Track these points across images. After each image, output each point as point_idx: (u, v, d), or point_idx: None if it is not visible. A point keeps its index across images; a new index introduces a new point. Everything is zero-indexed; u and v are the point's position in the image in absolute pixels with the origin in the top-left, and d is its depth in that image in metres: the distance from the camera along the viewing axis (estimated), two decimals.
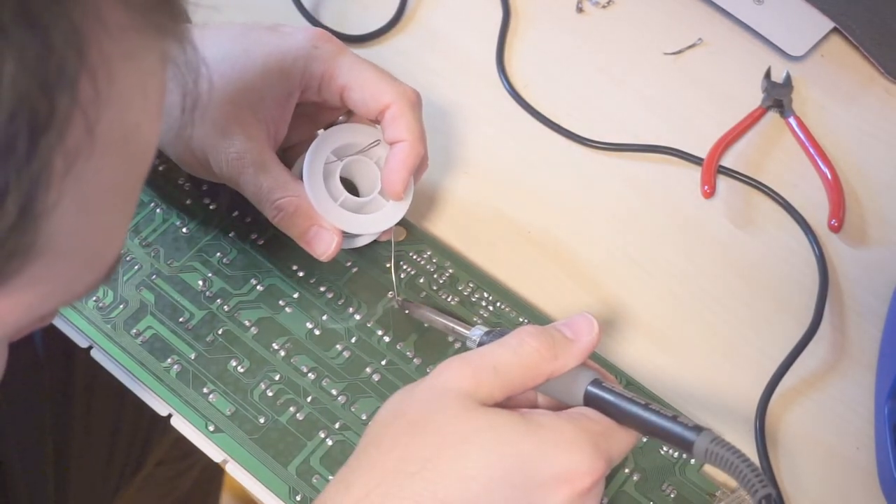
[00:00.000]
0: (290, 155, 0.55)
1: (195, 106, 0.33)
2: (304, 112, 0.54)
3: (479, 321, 0.55)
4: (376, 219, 0.53)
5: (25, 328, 0.32)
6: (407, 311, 0.54)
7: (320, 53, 0.52)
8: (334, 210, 0.52)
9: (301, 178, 0.52)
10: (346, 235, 0.54)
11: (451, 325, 0.51)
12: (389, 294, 0.55)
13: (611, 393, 0.42)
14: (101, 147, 0.27)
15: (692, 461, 0.51)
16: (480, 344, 0.47)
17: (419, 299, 0.55)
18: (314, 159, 0.52)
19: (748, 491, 0.38)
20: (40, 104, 0.24)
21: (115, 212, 0.30)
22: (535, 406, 0.44)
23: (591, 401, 0.43)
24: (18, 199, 0.25)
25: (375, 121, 0.53)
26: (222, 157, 0.51)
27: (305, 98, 0.53)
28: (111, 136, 0.27)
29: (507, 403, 0.43)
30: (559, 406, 0.44)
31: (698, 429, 0.39)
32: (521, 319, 0.55)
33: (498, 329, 0.47)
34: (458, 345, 0.54)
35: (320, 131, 0.57)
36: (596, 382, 0.43)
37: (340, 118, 0.56)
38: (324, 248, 0.51)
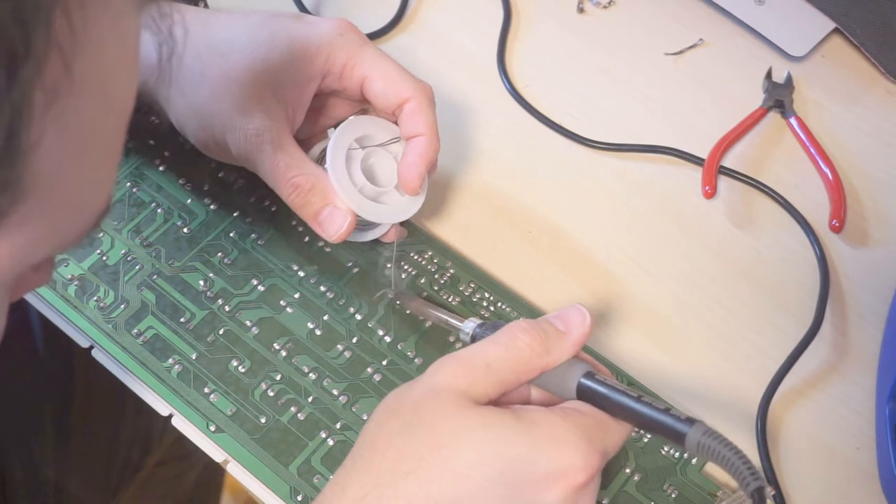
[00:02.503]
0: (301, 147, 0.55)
1: (171, 54, 0.33)
2: (317, 105, 0.54)
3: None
4: (392, 210, 0.54)
5: (22, 283, 0.32)
6: (399, 303, 0.54)
7: (345, 42, 0.52)
8: (354, 194, 0.52)
9: (317, 162, 0.52)
10: (356, 229, 0.54)
11: (445, 317, 0.50)
12: (389, 292, 0.55)
13: (603, 385, 0.42)
14: (79, 86, 0.27)
15: (693, 461, 0.51)
16: (473, 336, 0.47)
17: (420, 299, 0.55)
18: (338, 143, 0.52)
19: (740, 483, 0.38)
20: (15, 36, 0.25)
21: (99, 156, 0.30)
22: (528, 400, 0.44)
23: (583, 393, 0.42)
24: (2, 132, 0.25)
25: (392, 114, 0.53)
26: (240, 133, 0.51)
27: (326, 85, 0.53)
28: (89, 77, 0.28)
29: (501, 399, 0.43)
30: (553, 399, 0.44)
31: (690, 421, 0.39)
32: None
33: (491, 321, 0.47)
34: (458, 345, 0.54)
35: (330, 130, 0.57)
36: (589, 375, 0.43)
37: (351, 116, 0.56)
38: (336, 228, 0.51)
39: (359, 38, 0.53)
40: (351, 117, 0.56)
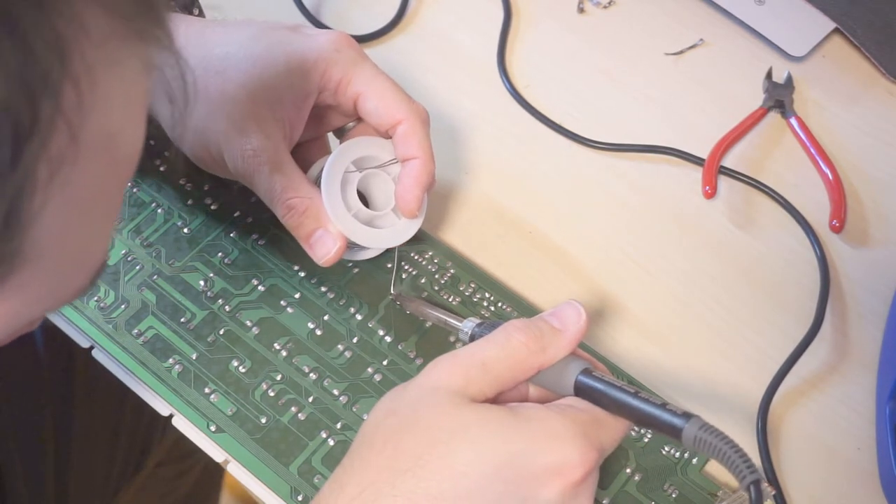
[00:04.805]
0: (296, 153, 0.55)
1: (183, 115, 0.33)
2: (313, 113, 0.54)
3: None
4: (387, 234, 0.53)
5: (13, 334, 0.32)
6: (399, 304, 0.54)
7: (341, 57, 0.52)
8: (347, 219, 0.52)
9: (314, 182, 0.52)
10: (352, 247, 0.54)
11: (444, 317, 0.50)
12: (392, 293, 0.55)
13: (600, 382, 0.42)
14: (84, 153, 0.27)
15: (694, 461, 0.51)
16: (472, 336, 0.47)
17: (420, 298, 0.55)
18: (334, 166, 0.52)
19: (736, 477, 0.38)
20: (23, 112, 0.24)
21: (100, 216, 0.30)
22: (526, 398, 0.44)
23: (581, 390, 0.43)
24: (3, 208, 0.25)
25: (386, 133, 0.53)
26: (238, 153, 0.51)
27: (320, 100, 0.53)
28: (94, 143, 0.27)
29: (499, 398, 0.43)
30: (551, 397, 0.44)
31: (687, 416, 0.39)
32: None
33: (490, 321, 0.47)
34: (459, 345, 0.54)
35: (336, 142, 0.57)
36: (586, 372, 0.43)
37: (349, 124, 0.56)
38: (325, 251, 0.51)
39: (356, 53, 0.53)
40: (357, 127, 0.55)
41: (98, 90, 0.26)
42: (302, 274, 0.56)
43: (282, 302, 0.55)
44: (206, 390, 0.52)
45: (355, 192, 0.53)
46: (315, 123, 0.55)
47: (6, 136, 0.24)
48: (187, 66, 0.32)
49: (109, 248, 0.32)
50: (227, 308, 0.54)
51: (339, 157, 0.52)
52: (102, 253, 0.32)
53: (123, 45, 0.28)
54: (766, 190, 0.62)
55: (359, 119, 0.56)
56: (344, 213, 0.52)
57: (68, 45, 0.25)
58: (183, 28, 0.53)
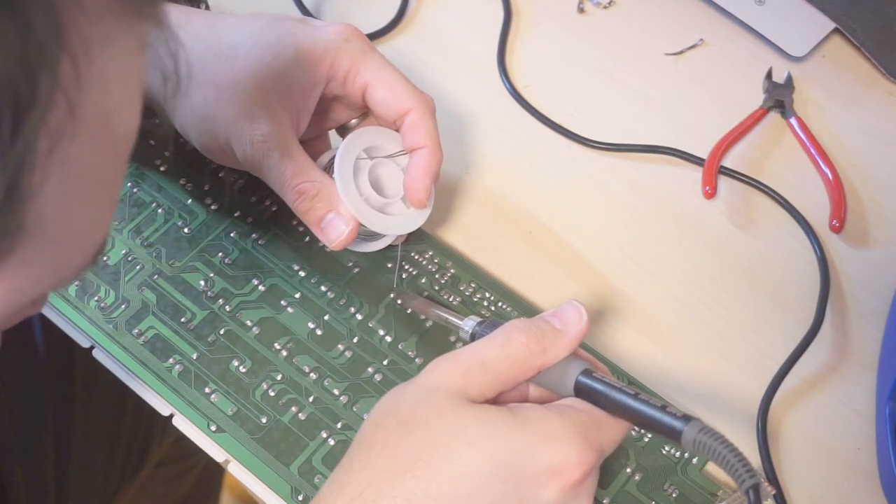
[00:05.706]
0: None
1: (176, 91, 0.33)
2: (319, 109, 0.54)
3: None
4: (397, 221, 0.54)
5: (17, 314, 0.32)
6: (400, 302, 0.54)
7: (350, 47, 0.52)
8: (360, 203, 0.52)
9: (324, 170, 0.52)
10: (360, 239, 0.54)
11: (445, 315, 0.50)
12: (394, 291, 0.55)
13: (600, 383, 0.42)
14: (82, 129, 0.27)
15: (694, 461, 0.51)
16: (473, 334, 0.47)
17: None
18: (346, 152, 0.52)
19: (736, 481, 0.38)
20: (22, 86, 0.25)
21: (100, 193, 0.30)
22: (526, 398, 0.44)
23: (581, 391, 0.43)
24: (4, 181, 0.25)
25: (393, 123, 0.53)
26: (247, 139, 0.51)
27: (328, 90, 0.53)
28: (93, 118, 0.28)
29: (499, 398, 0.43)
30: (551, 397, 0.44)
31: (687, 418, 0.39)
32: None
33: (491, 320, 0.47)
34: (459, 344, 0.54)
35: (339, 141, 0.57)
36: (586, 373, 0.43)
37: (353, 121, 0.56)
38: (336, 234, 0.51)
39: (364, 44, 0.53)
40: (360, 124, 0.56)
41: (95, 66, 0.27)
42: (302, 274, 0.56)
43: (282, 302, 0.55)
44: (207, 390, 0.52)
45: (367, 178, 0.53)
46: (319, 119, 0.55)
47: (6, 109, 0.25)
48: (180, 45, 0.32)
49: (110, 230, 0.32)
50: (227, 308, 0.54)
51: (351, 144, 0.52)
52: (103, 231, 0.32)
53: (119, 23, 0.28)
54: (766, 190, 0.62)
55: (363, 115, 0.56)
56: (357, 196, 0.52)
57: (65, 21, 0.26)
58: (192, 18, 0.54)
